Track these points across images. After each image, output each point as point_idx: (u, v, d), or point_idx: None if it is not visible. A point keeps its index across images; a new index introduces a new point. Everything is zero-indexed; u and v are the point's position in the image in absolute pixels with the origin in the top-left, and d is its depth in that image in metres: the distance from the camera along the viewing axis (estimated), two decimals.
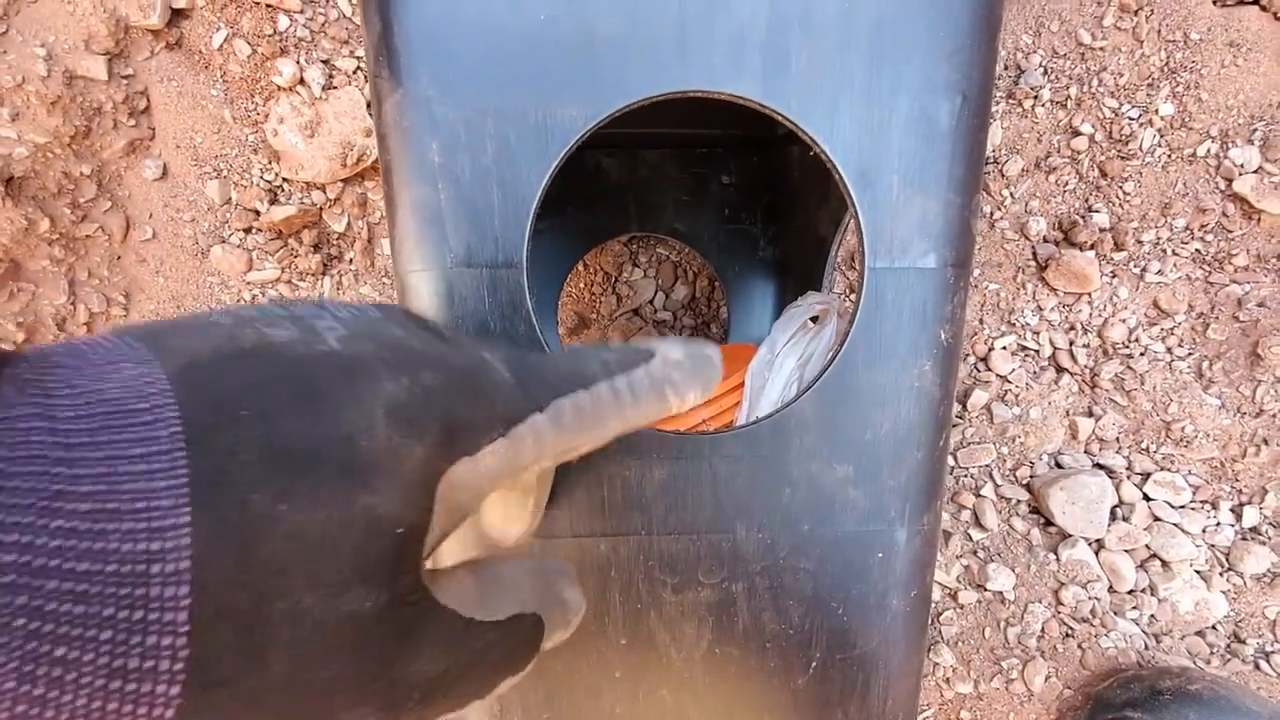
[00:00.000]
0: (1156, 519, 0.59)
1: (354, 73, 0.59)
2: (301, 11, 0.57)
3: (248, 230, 0.61)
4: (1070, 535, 0.59)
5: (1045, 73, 0.58)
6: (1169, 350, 0.60)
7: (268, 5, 0.57)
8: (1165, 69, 0.57)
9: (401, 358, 0.15)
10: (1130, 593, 0.58)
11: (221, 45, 0.57)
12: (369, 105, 0.59)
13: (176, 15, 0.56)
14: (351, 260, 0.63)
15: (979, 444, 0.61)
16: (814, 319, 0.46)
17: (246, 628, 0.12)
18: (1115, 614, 0.58)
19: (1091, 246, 0.59)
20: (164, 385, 0.13)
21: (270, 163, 0.60)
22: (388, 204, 0.32)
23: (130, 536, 0.11)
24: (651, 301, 0.69)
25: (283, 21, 0.57)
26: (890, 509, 0.34)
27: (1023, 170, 0.60)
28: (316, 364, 0.14)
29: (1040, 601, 0.59)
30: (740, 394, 0.44)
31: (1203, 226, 0.59)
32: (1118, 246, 0.59)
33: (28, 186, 0.55)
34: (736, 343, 0.66)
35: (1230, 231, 0.58)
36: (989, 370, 0.61)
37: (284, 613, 0.13)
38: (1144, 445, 0.60)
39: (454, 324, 0.19)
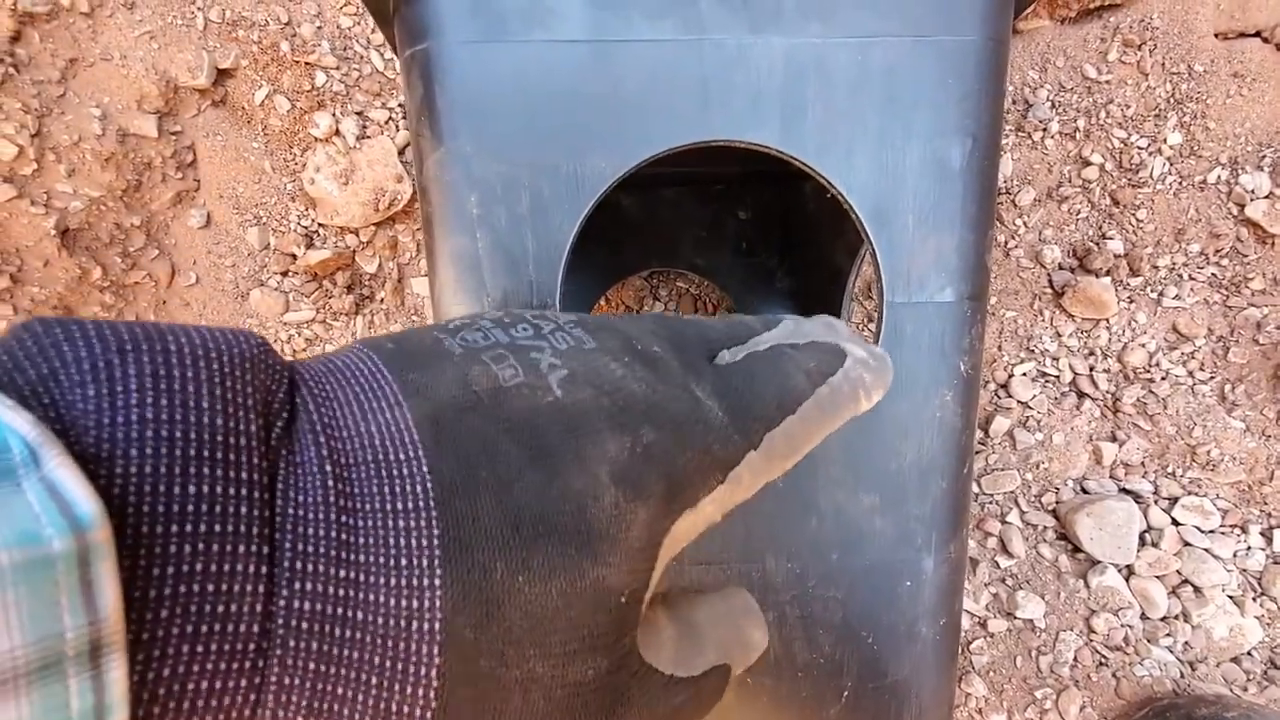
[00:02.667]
0: (1186, 544, 0.58)
1: (386, 123, 0.62)
2: (337, 68, 0.61)
3: (285, 274, 0.63)
4: (1099, 561, 0.58)
5: (1053, 106, 0.60)
6: (1190, 374, 0.60)
7: (306, 63, 0.60)
8: (1171, 100, 0.58)
9: (621, 408, 0.15)
10: (1163, 619, 0.58)
11: (263, 101, 0.60)
12: (400, 153, 0.62)
13: (222, 75, 0.60)
14: (382, 300, 0.66)
15: (1003, 470, 0.61)
16: None
17: (484, 692, 0.13)
18: (1149, 641, 0.58)
19: (1107, 273, 0.60)
20: (414, 437, 0.14)
21: (307, 209, 0.63)
22: (428, 253, 0.34)
23: (396, 592, 0.12)
24: None
25: (320, 78, 0.60)
26: (917, 537, 0.35)
27: (1035, 200, 0.61)
28: (544, 418, 0.14)
29: (1072, 629, 0.59)
30: None
31: (1217, 251, 0.59)
32: (1133, 272, 0.60)
33: (82, 237, 0.58)
34: None
35: (1245, 256, 0.59)
36: (1010, 396, 0.62)
37: (517, 679, 0.13)
38: (1170, 470, 0.60)
39: (683, 338, 0.18)
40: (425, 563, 0.13)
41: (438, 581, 0.13)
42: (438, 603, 0.13)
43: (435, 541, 0.13)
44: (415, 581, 0.12)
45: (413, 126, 0.34)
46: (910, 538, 0.35)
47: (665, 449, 0.15)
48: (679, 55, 0.32)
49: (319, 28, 0.61)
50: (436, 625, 0.12)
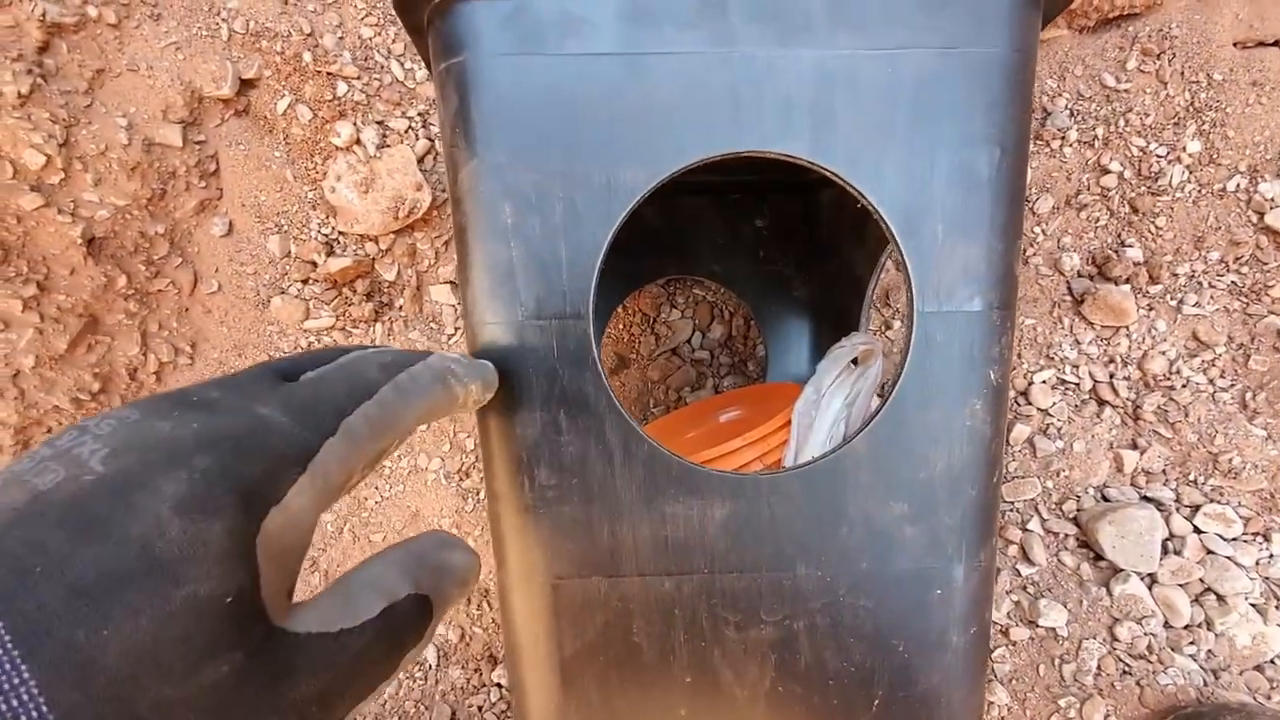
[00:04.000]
0: (1209, 552, 0.58)
1: (406, 132, 0.63)
2: (358, 78, 0.61)
3: (305, 281, 0.64)
4: (1122, 570, 0.58)
5: (1071, 115, 0.60)
6: (1211, 381, 0.60)
7: (328, 73, 0.61)
8: (1190, 108, 0.59)
9: (171, 453, 0.16)
10: (1186, 628, 0.58)
11: (285, 111, 0.61)
12: (420, 161, 0.62)
13: (245, 85, 0.60)
14: (401, 307, 0.66)
15: (1023, 478, 0.61)
16: (855, 360, 0.48)
17: None
18: (1172, 650, 0.57)
19: (1126, 280, 0.60)
20: None
21: (327, 218, 0.63)
22: (461, 262, 0.35)
23: None
24: (689, 341, 0.71)
25: (341, 87, 0.61)
26: (947, 546, 0.35)
27: (1054, 208, 0.61)
28: (88, 495, 0.15)
29: (1095, 638, 0.58)
30: (787, 432, 0.45)
31: (1237, 259, 0.59)
32: (1153, 280, 0.60)
33: (107, 246, 0.58)
34: (775, 381, 0.67)
35: (1265, 264, 0.59)
36: (1030, 404, 0.62)
37: (149, 708, 0.14)
38: (1191, 477, 0.60)
39: (244, 379, 0.20)
40: (7, 665, 0.13)
41: (25, 675, 0.13)
42: (34, 690, 0.13)
43: (9, 643, 0.13)
44: (5, 684, 0.13)
45: (446, 138, 0.34)
46: (941, 546, 0.35)
47: (225, 465, 0.16)
48: (710, 67, 0.33)
49: (340, 38, 0.61)
50: (43, 709, 0.13)
